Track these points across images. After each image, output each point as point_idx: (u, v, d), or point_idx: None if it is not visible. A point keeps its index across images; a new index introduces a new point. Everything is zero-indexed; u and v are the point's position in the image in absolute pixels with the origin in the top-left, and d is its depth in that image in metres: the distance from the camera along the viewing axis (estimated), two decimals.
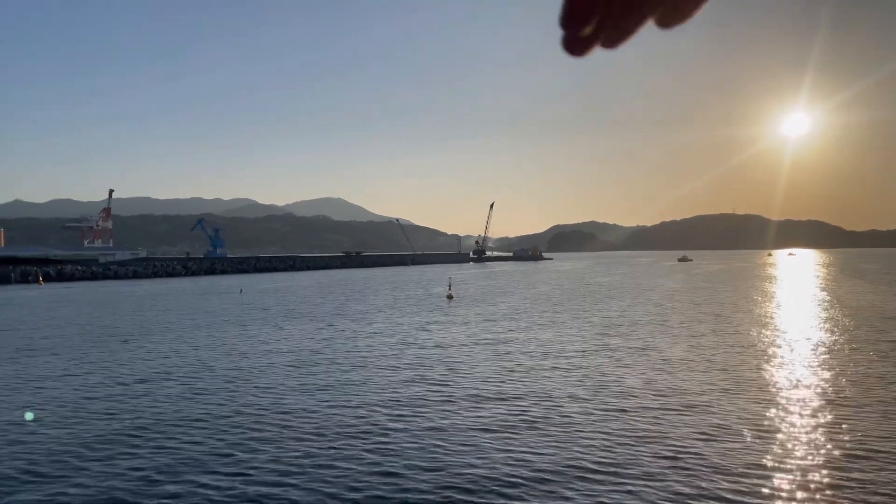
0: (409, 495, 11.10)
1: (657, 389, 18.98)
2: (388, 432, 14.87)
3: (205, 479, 12.03)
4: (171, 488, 11.64)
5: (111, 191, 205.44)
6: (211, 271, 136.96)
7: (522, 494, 11.12)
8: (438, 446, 13.76)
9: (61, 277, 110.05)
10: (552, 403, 17.52)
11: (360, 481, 11.79)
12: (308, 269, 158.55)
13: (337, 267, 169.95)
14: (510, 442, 14.04)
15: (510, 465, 12.57)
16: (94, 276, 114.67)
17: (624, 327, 34.73)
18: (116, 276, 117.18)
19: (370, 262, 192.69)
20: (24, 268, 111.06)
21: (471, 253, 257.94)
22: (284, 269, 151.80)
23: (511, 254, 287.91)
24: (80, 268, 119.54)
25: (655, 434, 14.48)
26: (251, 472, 12.44)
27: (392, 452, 13.40)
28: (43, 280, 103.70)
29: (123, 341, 31.76)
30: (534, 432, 14.81)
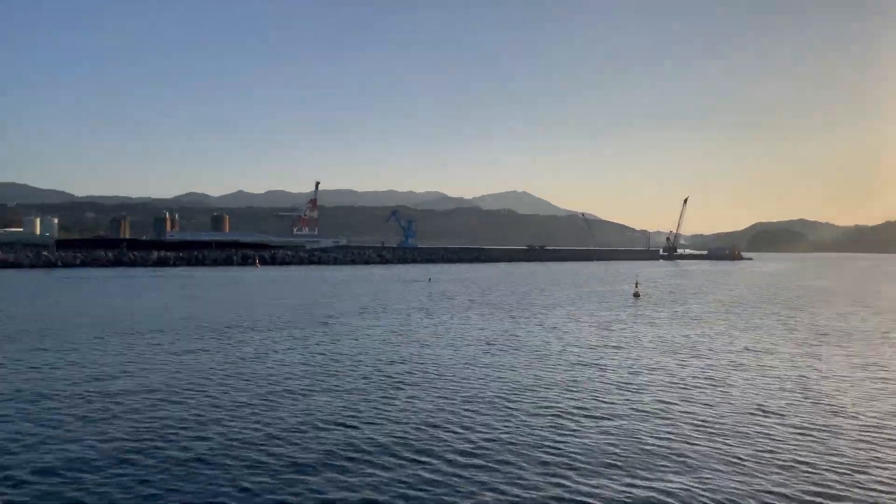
0: (587, 489, 10.90)
1: (873, 410, 16.83)
2: (564, 426, 14.68)
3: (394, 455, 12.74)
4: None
5: (317, 183, 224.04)
6: (403, 260, 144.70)
7: None
8: (613, 449, 13.35)
9: (274, 261, 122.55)
10: (744, 418, 16.24)
11: (539, 478, 11.78)
12: (492, 261, 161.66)
13: (520, 260, 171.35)
14: (692, 457, 13.24)
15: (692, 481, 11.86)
16: (301, 261, 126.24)
17: (833, 337, 31.24)
18: (320, 262, 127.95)
19: (553, 257, 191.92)
20: (244, 251, 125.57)
21: (661, 250, 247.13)
22: (470, 261, 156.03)
23: (705, 252, 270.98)
24: (289, 253, 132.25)
25: (869, 460, 12.86)
26: (432, 451, 12.94)
27: (567, 451, 13.23)
28: (259, 263, 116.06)
29: (322, 323, 34.57)
30: (719, 450, 13.83)
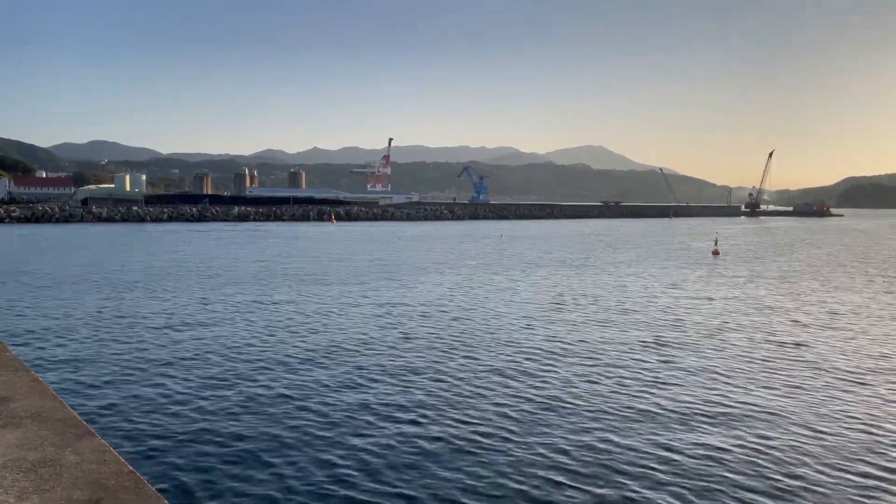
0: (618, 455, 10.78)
1: None
2: (611, 389, 14.50)
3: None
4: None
5: (390, 139, 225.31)
6: (474, 216, 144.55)
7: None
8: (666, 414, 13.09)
9: (349, 217, 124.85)
10: (830, 387, 15.58)
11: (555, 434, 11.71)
12: (566, 217, 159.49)
13: (594, 216, 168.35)
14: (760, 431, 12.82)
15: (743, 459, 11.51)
16: (374, 217, 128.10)
17: None
18: (393, 218, 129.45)
19: (629, 213, 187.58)
20: (320, 207, 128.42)
21: (742, 206, 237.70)
22: (542, 217, 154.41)
23: (790, 208, 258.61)
24: (363, 209, 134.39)
25: None
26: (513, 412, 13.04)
27: (612, 413, 13.07)
28: (335, 219, 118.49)
29: (391, 278, 35.13)
30: (798, 426, 13.34)
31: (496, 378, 15.13)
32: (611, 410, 12.90)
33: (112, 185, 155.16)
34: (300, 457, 10.36)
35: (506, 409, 12.83)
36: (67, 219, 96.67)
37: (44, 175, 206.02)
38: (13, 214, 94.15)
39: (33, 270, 35.56)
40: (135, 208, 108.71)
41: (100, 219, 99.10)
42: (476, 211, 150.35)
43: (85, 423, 2.98)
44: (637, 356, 17.50)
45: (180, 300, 26.07)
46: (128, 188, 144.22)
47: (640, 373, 15.75)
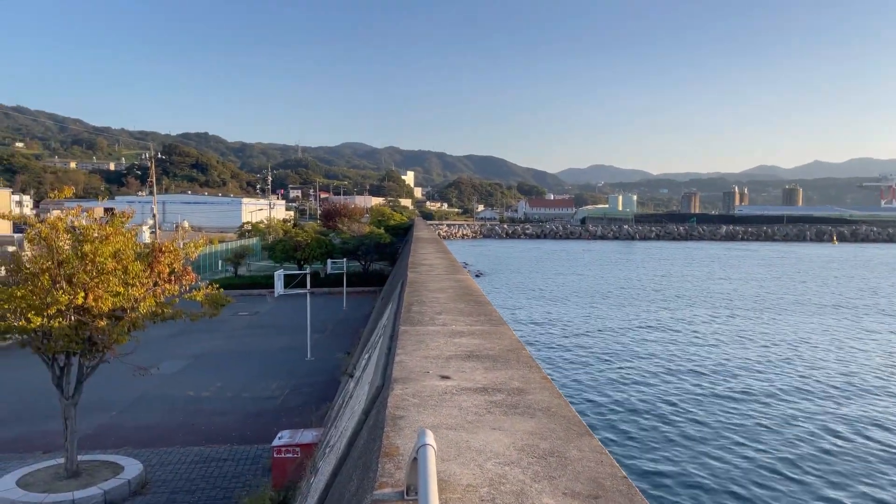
0: None
1: None
2: None
3: None
4: None
5: None
6: None
7: None
8: None
9: (854, 237, 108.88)
10: None
11: None
12: None
13: None
14: None
15: None
16: (889, 239, 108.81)
17: None
18: None
19: None
20: (819, 227, 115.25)
21: None
22: None
23: None
24: (874, 229, 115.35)
25: None
26: None
27: None
28: (837, 239, 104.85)
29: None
30: None
31: None
32: None
33: (606, 206, 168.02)
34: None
35: None
36: (568, 235, 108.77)
37: (551, 198, 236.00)
38: (526, 231, 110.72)
39: (541, 282, 41.11)
40: (625, 227, 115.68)
41: (594, 236, 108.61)
42: None
43: (584, 422, 3.26)
44: None
45: (673, 316, 26.69)
46: (620, 208, 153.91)
47: None
